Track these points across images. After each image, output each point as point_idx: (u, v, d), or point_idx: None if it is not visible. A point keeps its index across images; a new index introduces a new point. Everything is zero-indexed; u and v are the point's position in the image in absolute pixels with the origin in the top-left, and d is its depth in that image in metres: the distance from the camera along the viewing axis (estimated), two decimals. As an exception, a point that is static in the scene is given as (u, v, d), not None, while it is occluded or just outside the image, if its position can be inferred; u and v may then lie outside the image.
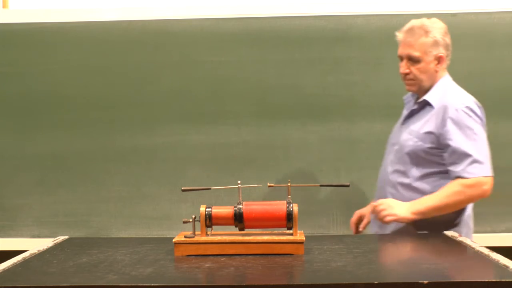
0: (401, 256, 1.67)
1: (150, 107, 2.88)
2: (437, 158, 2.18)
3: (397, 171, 2.25)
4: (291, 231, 1.76)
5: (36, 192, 2.88)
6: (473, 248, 1.78)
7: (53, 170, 2.88)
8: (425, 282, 1.36)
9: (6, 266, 1.61)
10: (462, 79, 2.83)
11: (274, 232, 1.84)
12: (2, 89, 2.91)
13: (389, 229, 2.23)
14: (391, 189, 2.26)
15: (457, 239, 1.94)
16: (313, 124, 2.86)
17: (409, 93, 2.38)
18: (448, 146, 2.14)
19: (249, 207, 1.77)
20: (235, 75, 2.87)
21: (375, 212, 2.16)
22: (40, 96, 2.89)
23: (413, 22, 2.24)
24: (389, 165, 2.28)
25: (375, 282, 1.37)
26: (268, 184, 1.96)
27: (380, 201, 2.18)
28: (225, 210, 1.79)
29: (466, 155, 2.13)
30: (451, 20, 2.83)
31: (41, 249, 1.86)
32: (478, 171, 2.15)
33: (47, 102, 2.89)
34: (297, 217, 1.75)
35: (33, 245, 1.93)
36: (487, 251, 1.70)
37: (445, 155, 2.16)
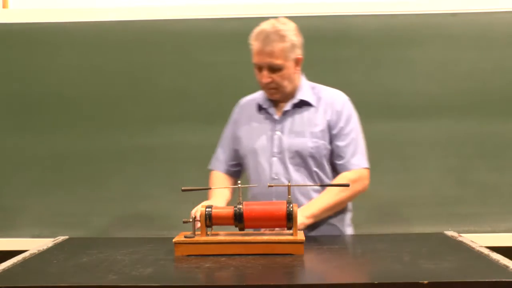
0: (401, 256, 1.67)
1: (150, 107, 2.88)
2: (327, 155, 2.16)
3: (294, 179, 2.11)
4: (291, 231, 1.76)
5: (36, 192, 2.88)
6: (473, 248, 1.78)
7: (53, 170, 2.88)
8: (425, 282, 1.36)
9: (6, 266, 1.61)
10: (462, 79, 2.85)
11: (274, 232, 1.84)
12: (2, 89, 2.91)
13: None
14: (281, 198, 2.05)
15: (457, 239, 1.94)
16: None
17: (248, 99, 2.28)
18: (338, 140, 2.14)
19: (249, 207, 1.77)
20: (235, 75, 2.87)
21: None
22: (40, 96, 2.89)
23: (265, 27, 2.07)
24: (281, 173, 2.12)
25: (375, 282, 1.37)
26: (268, 184, 1.96)
27: None
28: (225, 210, 1.79)
29: (351, 147, 2.16)
30: (451, 20, 2.84)
31: (41, 249, 1.86)
32: (360, 162, 2.17)
33: (47, 102, 2.89)
34: (297, 217, 1.76)
35: (33, 245, 1.93)
36: (487, 251, 1.71)
37: (332, 148, 2.15)
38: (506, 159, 2.82)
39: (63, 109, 2.89)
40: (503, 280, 1.38)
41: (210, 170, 2.31)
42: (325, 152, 2.14)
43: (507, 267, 1.51)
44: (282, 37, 2.05)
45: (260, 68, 2.10)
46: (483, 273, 1.48)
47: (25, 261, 1.69)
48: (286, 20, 2.12)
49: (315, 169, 2.13)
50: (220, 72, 2.88)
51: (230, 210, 1.77)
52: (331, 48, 2.85)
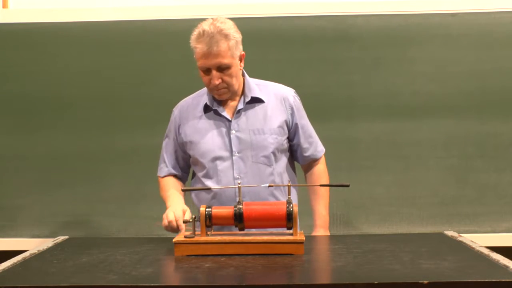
0: (401, 256, 1.67)
1: (150, 107, 2.88)
2: (286, 150, 2.19)
3: (261, 176, 2.10)
4: (291, 231, 1.76)
5: (36, 192, 2.88)
6: (473, 248, 1.78)
7: (53, 170, 2.88)
8: (425, 282, 1.36)
9: (6, 266, 1.61)
10: (462, 79, 2.85)
11: (274, 232, 1.84)
12: (2, 89, 2.91)
13: None
14: (252, 197, 2.07)
15: (457, 239, 1.94)
16: (313, 124, 2.85)
17: (188, 102, 2.24)
18: (297, 133, 2.20)
19: (249, 207, 1.77)
20: (235, 75, 2.87)
21: None
22: (40, 96, 2.89)
23: (206, 28, 2.02)
24: (247, 172, 2.09)
25: (375, 282, 1.37)
26: (268, 184, 1.96)
27: None
28: (225, 210, 1.79)
29: (313, 136, 2.25)
30: (451, 20, 2.84)
31: (41, 249, 1.86)
32: (321, 147, 2.28)
33: (47, 102, 2.89)
34: (297, 217, 1.76)
35: (33, 245, 1.93)
36: (487, 251, 1.71)
37: (294, 142, 2.21)
38: (506, 159, 2.82)
39: (63, 109, 2.89)
40: (503, 280, 1.38)
41: (158, 178, 2.26)
42: (285, 147, 2.16)
43: (507, 267, 1.52)
44: (226, 36, 2.02)
45: (207, 70, 2.06)
46: (483, 273, 1.48)
47: (25, 261, 1.69)
48: (223, 19, 2.08)
49: (274, 165, 2.12)
50: (220, 72, 2.87)
51: (230, 210, 1.77)
52: (331, 48, 2.85)
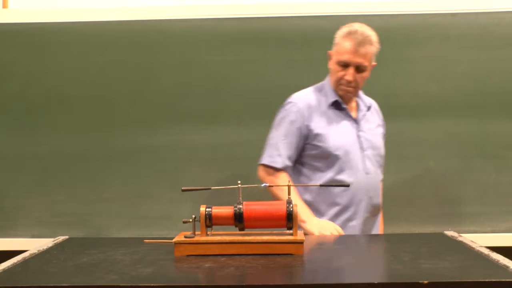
0: (401, 256, 1.67)
1: (151, 107, 2.88)
2: None
3: (378, 175, 2.35)
4: (291, 231, 1.76)
5: (36, 192, 2.88)
6: (473, 248, 1.78)
7: (53, 170, 2.88)
8: (425, 282, 1.36)
9: (6, 266, 1.61)
10: (462, 79, 2.85)
11: (274, 232, 1.84)
12: (2, 89, 2.91)
13: None
14: (373, 192, 2.30)
15: (457, 239, 1.94)
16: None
17: (313, 96, 2.33)
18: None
19: (249, 207, 1.77)
20: (235, 75, 2.87)
21: None
22: (40, 96, 2.89)
23: (358, 29, 2.21)
24: (371, 169, 2.30)
25: (375, 282, 1.37)
26: (268, 184, 1.96)
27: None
28: (225, 210, 1.79)
29: None
30: (451, 20, 2.84)
31: (41, 249, 1.86)
32: None
33: (47, 102, 2.89)
34: (297, 217, 1.75)
35: (33, 245, 1.93)
36: (487, 251, 1.70)
37: None
38: (506, 159, 2.82)
39: (63, 109, 2.89)
40: (503, 280, 1.38)
41: (267, 166, 2.26)
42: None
43: (507, 267, 1.51)
44: (372, 42, 2.22)
45: (345, 65, 2.21)
46: (483, 273, 1.48)
47: (25, 261, 1.69)
48: (368, 27, 2.26)
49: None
50: (220, 72, 2.88)
51: (230, 210, 1.77)
52: (331, 48, 2.84)
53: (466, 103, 2.82)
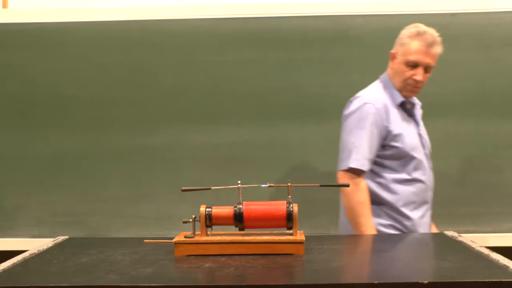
0: (401, 256, 1.67)
1: (150, 107, 2.88)
2: None
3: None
4: (291, 231, 1.76)
5: (36, 192, 2.88)
6: (473, 248, 1.78)
7: (52, 170, 2.88)
8: (425, 282, 1.36)
9: (6, 266, 1.61)
10: (462, 79, 2.85)
11: (274, 232, 1.84)
12: (2, 89, 2.91)
13: None
14: (431, 193, 2.37)
15: (457, 239, 1.94)
16: (313, 124, 2.86)
17: (386, 98, 2.32)
18: None
19: (249, 207, 1.76)
20: (235, 75, 2.87)
21: None
22: (40, 96, 2.89)
23: (427, 30, 2.26)
24: (430, 169, 2.36)
25: (375, 282, 1.37)
26: (268, 184, 1.96)
27: None
28: (225, 210, 1.79)
29: None
30: (451, 20, 2.83)
31: (41, 249, 1.86)
32: None
33: (47, 102, 2.89)
34: (297, 217, 1.75)
35: (33, 245, 1.93)
36: (487, 251, 1.70)
37: None
38: (506, 159, 2.82)
39: (62, 109, 2.89)
40: (503, 280, 1.38)
41: (351, 170, 2.23)
42: None
43: (507, 267, 1.51)
44: (440, 44, 2.26)
45: (415, 66, 2.22)
46: (483, 273, 1.48)
47: (25, 261, 1.69)
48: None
49: None
50: (220, 72, 2.88)
51: (230, 210, 1.77)
52: (331, 48, 2.85)
53: (466, 103, 2.83)
